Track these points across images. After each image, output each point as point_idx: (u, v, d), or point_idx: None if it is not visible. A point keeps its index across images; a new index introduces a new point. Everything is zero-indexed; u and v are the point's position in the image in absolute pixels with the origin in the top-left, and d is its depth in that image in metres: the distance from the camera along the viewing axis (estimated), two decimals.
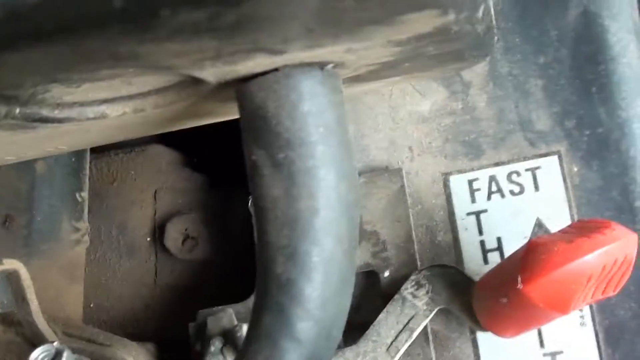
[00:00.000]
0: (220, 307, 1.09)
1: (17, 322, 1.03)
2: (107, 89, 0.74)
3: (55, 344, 0.84)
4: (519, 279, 0.82)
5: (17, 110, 0.72)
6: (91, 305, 1.31)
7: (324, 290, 0.69)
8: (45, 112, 0.74)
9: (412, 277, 1.03)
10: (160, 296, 1.30)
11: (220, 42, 0.58)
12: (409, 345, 1.01)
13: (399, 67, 0.80)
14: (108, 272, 1.33)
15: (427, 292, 1.02)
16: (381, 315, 1.02)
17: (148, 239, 1.33)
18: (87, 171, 1.31)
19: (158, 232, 1.32)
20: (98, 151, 1.39)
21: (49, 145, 0.95)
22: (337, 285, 0.70)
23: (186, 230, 1.30)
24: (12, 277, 0.98)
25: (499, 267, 0.95)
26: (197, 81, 0.71)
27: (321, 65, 0.70)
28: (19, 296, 0.98)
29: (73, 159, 1.29)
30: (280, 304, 0.69)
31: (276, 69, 0.68)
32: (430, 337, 1.04)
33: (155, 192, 1.35)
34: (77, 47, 0.55)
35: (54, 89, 0.70)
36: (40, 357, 0.83)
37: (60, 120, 0.76)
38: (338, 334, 0.73)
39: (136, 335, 1.23)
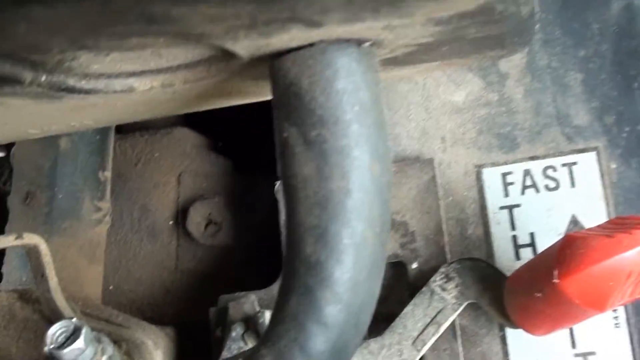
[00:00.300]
0: (242, 293, 1.07)
1: (36, 299, 1.01)
2: (135, 61, 0.72)
3: (73, 319, 0.82)
4: (555, 273, 0.79)
5: (44, 78, 0.70)
6: (110, 288, 1.29)
7: (354, 273, 0.67)
8: (72, 81, 0.72)
9: (442, 270, 1.00)
10: (180, 281, 1.28)
11: (257, 6, 0.56)
12: (436, 340, 0.99)
13: (436, 51, 0.78)
14: (128, 255, 1.31)
15: (457, 286, 0.99)
16: (408, 308, 0.99)
17: (170, 222, 1.31)
18: (111, 151, 1.28)
19: (181, 215, 1.30)
20: (123, 132, 1.37)
21: (74, 119, 0.93)
22: (368, 269, 0.68)
23: (209, 214, 1.28)
24: (32, 252, 0.96)
25: (534, 261, 0.92)
26: (228, 56, 0.69)
27: (358, 43, 0.68)
28: (38, 272, 0.96)
29: (97, 137, 1.27)
30: (308, 286, 0.66)
31: (311, 44, 0.66)
32: (458, 332, 1.01)
33: (179, 175, 1.32)
34: (107, 3, 0.53)
35: (82, 57, 0.68)
36: (59, 332, 0.81)
37: (86, 92, 0.74)
38: (367, 320, 0.71)
39: (155, 319, 1.20)
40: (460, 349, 1.01)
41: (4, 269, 1.19)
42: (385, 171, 0.69)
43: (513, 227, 1.04)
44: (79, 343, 0.80)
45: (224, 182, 1.31)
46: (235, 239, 1.27)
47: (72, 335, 0.81)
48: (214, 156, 1.35)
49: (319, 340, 0.67)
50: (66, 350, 0.79)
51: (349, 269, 0.66)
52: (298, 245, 0.67)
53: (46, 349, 0.80)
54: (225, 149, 1.39)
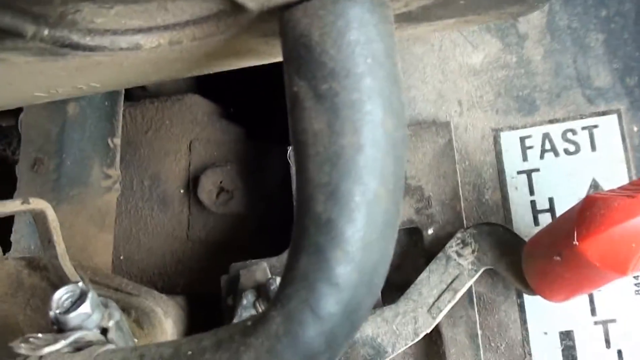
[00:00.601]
0: (254, 261, 1.05)
1: (43, 267, 0.99)
2: (141, 16, 0.70)
3: (79, 284, 0.79)
4: (575, 234, 0.76)
5: (46, 32, 0.68)
6: (121, 258, 1.27)
7: (366, 232, 0.64)
8: (75, 37, 0.70)
9: (458, 235, 0.98)
10: (192, 250, 1.26)
11: None
12: (452, 307, 0.96)
13: (453, 5, 0.75)
14: (139, 224, 1.29)
15: (473, 251, 0.97)
16: (423, 274, 0.97)
17: (181, 191, 1.29)
18: (121, 117, 1.26)
19: (192, 184, 1.28)
20: (132, 99, 1.34)
21: (80, 80, 0.91)
22: (381, 228, 0.65)
23: (221, 183, 1.25)
24: (39, 218, 0.94)
25: (553, 224, 0.90)
26: (237, 9, 0.67)
27: None
28: (45, 238, 0.94)
29: (106, 103, 1.25)
30: (318, 245, 0.64)
31: None
32: (475, 300, 0.99)
33: (190, 143, 1.30)
34: None
35: (85, 10, 0.66)
36: (64, 297, 0.79)
37: (91, 48, 0.72)
38: (380, 282, 0.68)
39: (166, 289, 1.19)
40: (477, 316, 0.99)
41: (13, 237, 1.17)
42: (399, 127, 0.66)
43: (531, 192, 1.01)
44: (85, 307, 0.78)
45: (236, 150, 1.29)
46: (247, 207, 1.25)
47: (78, 300, 0.78)
48: (226, 124, 1.33)
49: (330, 302, 0.64)
50: (72, 315, 0.77)
51: (361, 228, 0.64)
52: (308, 204, 0.65)
53: (51, 313, 0.78)
54: (237, 117, 1.36)
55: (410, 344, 0.96)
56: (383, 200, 0.65)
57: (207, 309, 1.10)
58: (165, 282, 1.25)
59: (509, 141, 1.04)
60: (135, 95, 1.36)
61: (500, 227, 0.97)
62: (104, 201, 1.22)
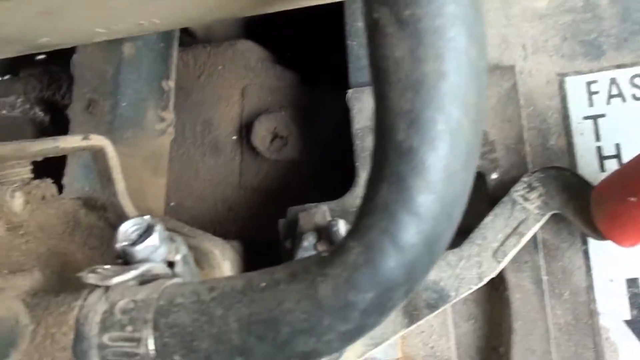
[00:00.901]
0: (312, 204, 1.03)
1: (101, 206, 0.98)
2: None
3: (146, 217, 0.78)
4: None
5: None
6: (172, 204, 1.26)
7: (449, 162, 0.62)
8: None
9: (524, 179, 0.95)
10: (244, 197, 1.25)
11: None
12: (517, 252, 0.94)
13: None
14: (190, 171, 1.27)
15: (540, 195, 0.94)
16: (488, 218, 0.95)
17: (234, 137, 1.27)
18: (175, 59, 1.24)
19: (245, 130, 1.26)
20: (185, 44, 1.32)
21: (143, 15, 0.90)
22: (463, 158, 0.64)
23: (275, 128, 1.23)
24: (98, 156, 0.93)
25: (627, 165, 0.87)
26: None
27: None
28: (105, 176, 0.93)
29: (161, 44, 1.23)
30: (400, 174, 0.62)
31: None
32: (540, 245, 0.97)
33: (244, 88, 1.28)
34: None
35: None
36: (131, 229, 0.78)
37: None
38: (459, 215, 0.67)
39: (217, 236, 1.17)
40: (542, 262, 0.97)
41: (65, 180, 1.15)
42: (482, 55, 0.64)
43: (597, 138, 0.99)
44: (153, 240, 0.77)
45: (290, 96, 1.27)
46: (301, 153, 1.23)
47: (145, 232, 0.77)
48: (280, 69, 1.31)
49: (411, 232, 0.63)
50: (139, 247, 0.76)
51: (444, 157, 0.62)
52: (389, 132, 0.63)
53: (118, 245, 0.77)
54: (291, 62, 1.34)
55: (474, 288, 0.94)
56: (466, 129, 0.63)
57: (261, 255, 1.08)
58: (216, 230, 1.23)
59: (575, 86, 1.01)
60: (187, 40, 1.35)
61: (567, 171, 0.95)
62: (158, 144, 1.20)
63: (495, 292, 0.99)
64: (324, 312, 0.65)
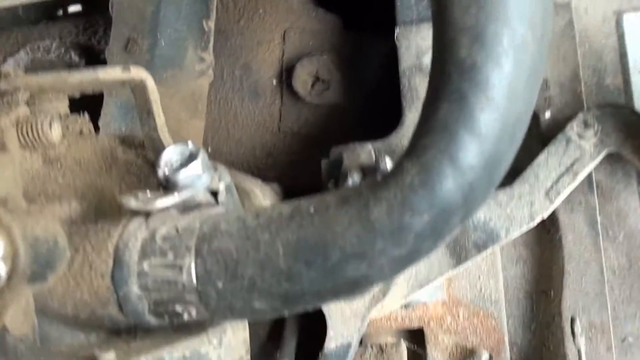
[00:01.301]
0: (357, 143, 1.00)
1: (139, 144, 0.95)
2: None
3: (189, 144, 0.75)
4: None
5: None
6: (209, 150, 1.23)
7: (513, 79, 0.60)
8: None
9: (580, 116, 0.92)
10: (283, 142, 1.22)
11: None
12: (570, 193, 0.91)
13: None
14: (229, 115, 1.24)
15: (596, 133, 0.91)
16: (541, 156, 0.92)
17: (274, 81, 1.24)
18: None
19: (285, 74, 1.23)
20: None
21: None
22: (527, 76, 0.61)
23: (317, 72, 1.20)
24: (138, 89, 0.90)
25: None
26: None
27: None
28: (144, 110, 0.90)
29: None
30: (461, 91, 0.59)
31: None
32: (594, 185, 0.93)
33: (285, 32, 1.24)
34: None
35: None
36: (174, 156, 0.75)
37: None
38: (521, 137, 0.64)
39: None
40: (597, 203, 0.93)
41: (101, 121, 1.13)
42: None
43: None
44: (196, 166, 0.74)
45: (332, 40, 1.23)
46: (343, 98, 1.20)
47: (188, 160, 0.75)
48: (322, 12, 1.27)
49: (471, 152, 0.60)
50: (182, 174, 0.73)
51: (508, 74, 0.59)
52: (451, 48, 0.60)
53: (160, 172, 0.74)
54: (333, 6, 1.30)
55: (525, 229, 0.91)
56: (530, 47, 0.60)
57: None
58: (254, 175, 1.20)
59: (632, 24, 0.97)
60: None
61: (625, 108, 0.92)
62: (197, 85, 1.17)
63: (546, 235, 0.96)
64: (377, 235, 0.62)
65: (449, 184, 0.60)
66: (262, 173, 1.21)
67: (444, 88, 0.60)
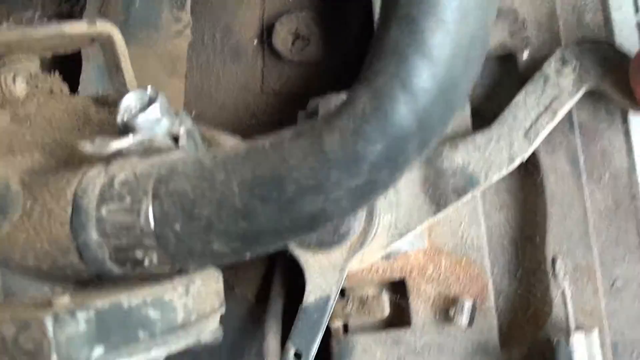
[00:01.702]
0: (333, 93, 0.98)
1: (112, 102, 0.94)
2: None
3: (148, 89, 0.73)
4: None
5: None
6: (192, 114, 1.21)
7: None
8: None
9: (557, 53, 0.89)
10: (266, 103, 1.20)
11: None
12: (551, 133, 0.88)
13: None
14: (211, 79, 1.22)
15: (574, 70, 0.88)
16: (518, 96, 0.89)
17: (255, 42, 1.22)
18: None
19: (266, 33, 1.21)
20: None
21: None
22: None
23: (297, 29, 1.18)
24: (106, 44, 0.88)
25: None
26: None
27: None
28: (113, 65, 0.89)
29: None
30: (410, 14, 0.57)
31: None
32: (576, 124, 0.91)
33: None
34: None
35: None
36: (132, 103, 0.73)
37: None
38: (477, 58, 0.61)
39: None
40: (579, 143, 0.91)
41: (80, 87, 1.12)
42: None
43: (637, 11, 0.92)
44: (154, 110, 0.72)
45: None
46: (325, 54, 1.18)
47: (147, 105, 0.73)
48: None
49: (423, 75, 0.58)
50: (140, 119, 0.72)
51: None
52: None
53: (119, 118, 0.73)
54: None
55: (505, 172, 0.88)
56: None
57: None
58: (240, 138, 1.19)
59: None
60: None
61: (604, 43, 0.89)
62: (174, 45, 1.16)
63: (529, 179, 0.94)
64: (332, 166, 0.60)
65: (402, 109, 0.58)
66: (246, 135, 1.19)
67: (394, 11, 0.58)
